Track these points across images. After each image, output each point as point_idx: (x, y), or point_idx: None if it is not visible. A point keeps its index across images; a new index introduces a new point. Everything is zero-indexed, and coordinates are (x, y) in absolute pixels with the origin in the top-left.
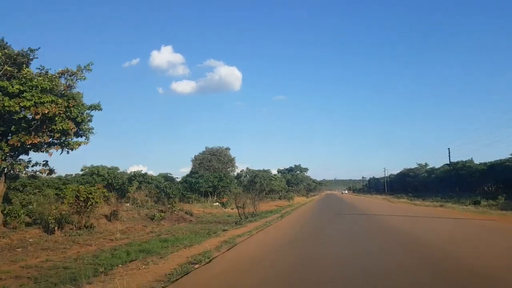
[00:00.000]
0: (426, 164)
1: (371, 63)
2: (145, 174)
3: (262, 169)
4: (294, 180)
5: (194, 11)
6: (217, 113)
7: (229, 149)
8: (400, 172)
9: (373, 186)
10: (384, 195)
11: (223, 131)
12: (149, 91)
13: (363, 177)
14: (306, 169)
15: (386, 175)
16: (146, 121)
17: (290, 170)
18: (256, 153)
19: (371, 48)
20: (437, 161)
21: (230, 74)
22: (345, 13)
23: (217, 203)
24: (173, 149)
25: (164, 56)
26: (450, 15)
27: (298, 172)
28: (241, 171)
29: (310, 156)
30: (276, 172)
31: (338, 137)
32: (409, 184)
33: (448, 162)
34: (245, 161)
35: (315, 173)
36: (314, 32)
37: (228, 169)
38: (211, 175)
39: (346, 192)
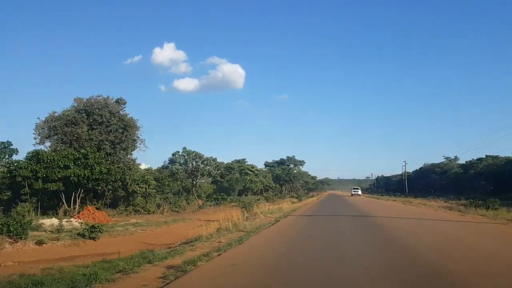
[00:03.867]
0: (456, 158)
1: (373, 63)
2: None
3: (235, 160)
4: (285, 176)
5: (197, 8)
6: (219, 111)
7: (124, 104)
8: (421, 168)
9: (383, 186)
10: (403, 196)
11: (224, 130)
12: (151, 88)
13: (367, 177)
14: (302, 162)
15: (403, 171)
16: (148, 119)
17: (280, 163)
18: (256, 153)
19: (374, 48)
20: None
21: (233, 72)
22: (348, 14)
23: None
24: (175, 148)
25: (166, 53)
26: (451, 16)
27: (291, 165)
28: (175, 154)
29: (312, 155)
30: (264, 167)
31: (342, 136)
32: (434, 182)
33: (489, 155)
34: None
35: (318, 173)
36: (317, 32)
37: (122, 145)
38: (61, 155)
39: (360, 193)
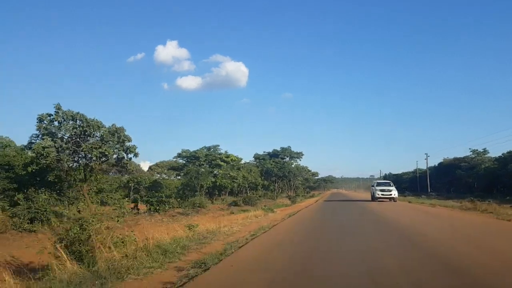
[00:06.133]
0: (485, 151)
1: (375, 61)
2: None
3: (204, 146)
4: (278, 170)
5: (200, 5)
6: (222, 109)
7: None
8: (440, 163)
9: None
10: (427, 196)
11: (227, 128)
12: (154, 86)
13: (371, 175)
14: (299, 155)
15: (416, 168)
16: (151, 117)
17: (273, 155)
18: (257, 152)
19: (375, 47)
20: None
21: (237, 70)
22: (350, 14)
23: None
24: (176, 147)
25: (169, 51)
26: (452, 16)
27: (286, 158)
28: (43, 120)
29: (317, 154)
30: (253, 159)
31: (346, 134)
32: (460, 179)
33: None
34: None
35: (321, 171)
36: (320, 32)
37: None
38: None
39: (395, 194)
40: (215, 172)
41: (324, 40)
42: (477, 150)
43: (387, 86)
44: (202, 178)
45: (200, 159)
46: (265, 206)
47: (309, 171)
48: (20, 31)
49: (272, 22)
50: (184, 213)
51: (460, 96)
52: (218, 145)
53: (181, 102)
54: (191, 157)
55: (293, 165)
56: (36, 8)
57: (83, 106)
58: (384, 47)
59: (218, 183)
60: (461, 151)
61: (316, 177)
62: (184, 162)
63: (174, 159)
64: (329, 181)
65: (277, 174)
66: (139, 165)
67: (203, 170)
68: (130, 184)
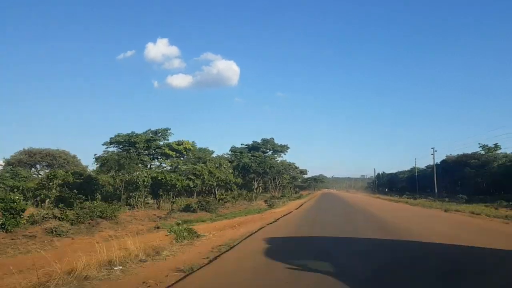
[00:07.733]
0: (497, 146)
1: (373, 62)
2: None
3: (150, 130)
4: (257, 166)
5: (191, 2)
6: (214, 108)
7: None
8: (443, 161)
9: (385, 184)
10: (438, 198)
11: (218, 126)
12: (145, 84)
13: (362, 175)
14: (284, 148)
15: (414, 166)
16: (144, 115)
17: (253, 148)
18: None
19: (379, 48)
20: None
21: (228, 69)
22: (347, 12)
23: None
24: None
25: (159, 49)
26: (452, 16)
27: (269, 152)
28: None
29: (310, 154)
30: (230, 152)
31: (338, 135)
32: (468, 178)
33: None
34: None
35: (312, 171)
36: (315, 30)
37: None
38: None
39: None
40: (160, 164)
41: (324, 40)
42: (487, 145)
43: (387, 86)
44: (130, 171)
45: (138, 145)
46: (179, 223)
47: (297, 168)
48: (4, 27)
49: (268, 21)
50: (56, 231)
51: (460, 96)
52: (169, 129)
53: (173, 101)
54: (125, 144)
55: (278, 160)
56: (25, 4)
57: (75, 103)
58: (384, 47)
59: (162, 180)
60: (459, 150)
61: (305, 175)
62: (119, 150)
63: (105, 147)
64: (319, 181)
65: (256, 170)
66: (74, 156)
67: (123, 159)
68: (52, 182)
